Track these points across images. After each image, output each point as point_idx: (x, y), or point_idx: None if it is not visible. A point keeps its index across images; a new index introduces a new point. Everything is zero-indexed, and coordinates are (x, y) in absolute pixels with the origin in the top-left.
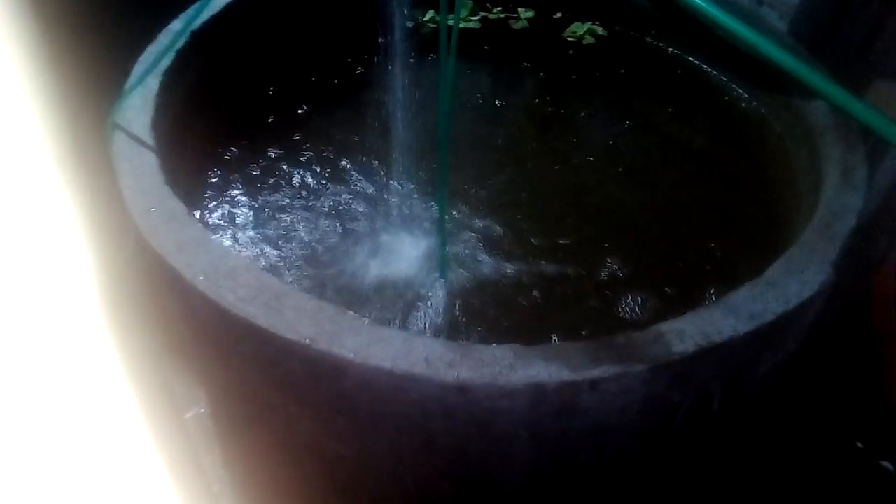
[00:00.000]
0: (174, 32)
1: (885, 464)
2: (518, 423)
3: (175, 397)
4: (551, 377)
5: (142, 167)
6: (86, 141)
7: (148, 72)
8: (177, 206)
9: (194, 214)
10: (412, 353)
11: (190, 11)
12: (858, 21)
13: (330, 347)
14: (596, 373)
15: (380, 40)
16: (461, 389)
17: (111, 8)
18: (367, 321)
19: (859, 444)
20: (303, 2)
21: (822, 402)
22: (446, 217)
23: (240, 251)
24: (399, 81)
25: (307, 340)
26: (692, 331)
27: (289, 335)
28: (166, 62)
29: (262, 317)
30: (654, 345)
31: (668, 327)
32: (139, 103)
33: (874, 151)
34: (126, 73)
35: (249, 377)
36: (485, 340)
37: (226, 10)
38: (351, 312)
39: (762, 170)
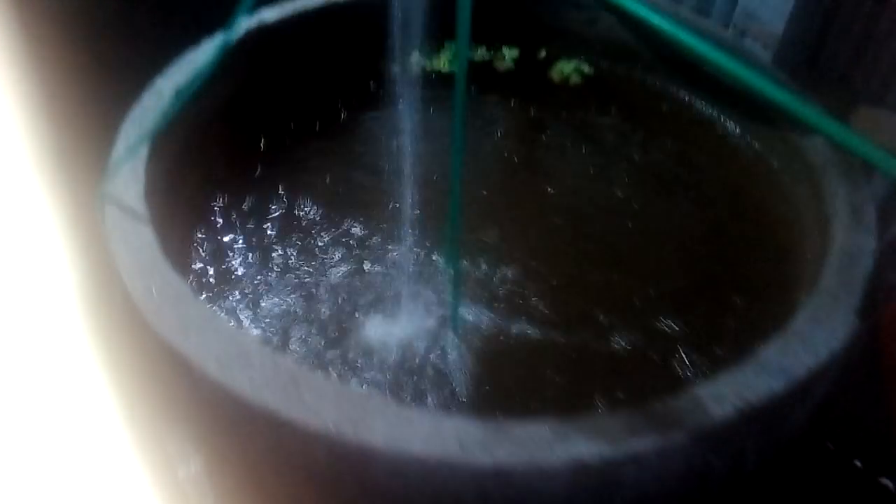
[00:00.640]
0: (158, 93)
1: (886, 481)
2: (556, 501)
3: (168, 453)
4: (592, 455)
5: (138, 242)
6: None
7: (141, 141)
8: (179, 283)
9: (197, 291)
10: (444, 435)
11: (174, 72)
12: (839, 50)
13: (356, 434)
14: (637, 447)
15: (370, 87)
16: (498, 473)
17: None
18: (392, 403)
19: (858, 463)
20: (286, 59)
21: (819, 424)
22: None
23: (239, 320)
24: (391, 128)
25: (331, 427)
26: (729, 393)
27: (311, 423)
28: (154, 124)
29: (281, 404)
30: (693, 412)
31: (705, 391)
32: (129, 170)
33: None
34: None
35: (264, 464)
36: (510, 408)
37: (212, 67)
38: (375, 393)
39: (760, 205)
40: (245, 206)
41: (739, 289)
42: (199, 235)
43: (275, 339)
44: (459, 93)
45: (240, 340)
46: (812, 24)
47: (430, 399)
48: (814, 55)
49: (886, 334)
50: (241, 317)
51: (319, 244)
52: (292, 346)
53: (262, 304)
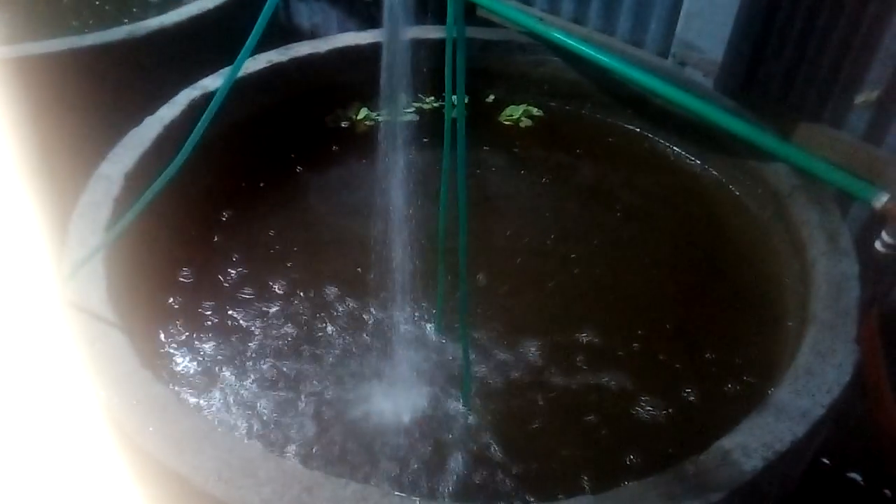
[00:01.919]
0: (106, 178)
1: (854, 475)
2: None
3: None
4: None
5: (110, 350)
6: None
7: (97, 251)
8: (164, 392)
9: (184, 397)
10: None
11: (120, 154)
12: (775, 70)
13: None
14: None
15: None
16: None
17: None
18: (417, 500)
19: (825, 461)
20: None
21: None
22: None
23: (229, 417)
24: (348, 185)
25: None
26: (755, 444)
27: None
28: (106, 213)
29: None
30: (724, 467)
31: (731, 443)
32: (88, 269)
33: None
34: None
35: None
36: (537, 480)
37: (153, 147)
38: (397, 494)
39: (726, 231)
40: (209, 283)
41: (719, 317)
42: (170, 329)
43: (269, 432)
44: (461, 181)
45: (241, 451)
46: (748, 47)
47: (451, 483)
48: (752, 77)
49: (867, 349)
50: (229, 410)
51: (301, 319)
52: (291, 438)
53: (249, 393)
